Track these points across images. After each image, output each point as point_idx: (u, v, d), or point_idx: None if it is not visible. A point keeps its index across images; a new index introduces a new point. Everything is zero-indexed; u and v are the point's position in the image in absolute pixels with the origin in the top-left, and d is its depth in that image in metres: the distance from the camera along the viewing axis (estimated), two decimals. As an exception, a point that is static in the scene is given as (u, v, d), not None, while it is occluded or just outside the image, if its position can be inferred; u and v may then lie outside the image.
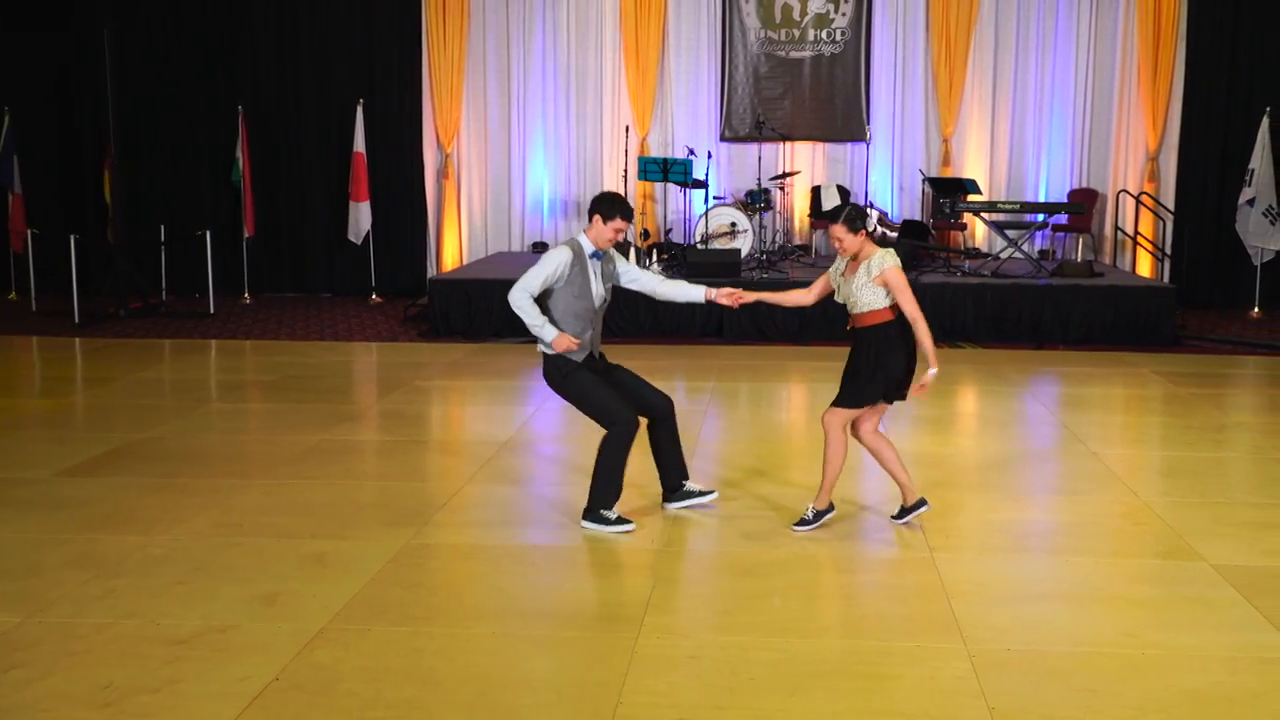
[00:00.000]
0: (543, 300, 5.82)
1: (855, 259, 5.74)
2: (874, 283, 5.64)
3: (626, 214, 5.83)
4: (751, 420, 8.72)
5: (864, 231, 5.70)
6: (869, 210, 13.69)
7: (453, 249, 14.92)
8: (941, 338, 11.55)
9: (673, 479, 6.23)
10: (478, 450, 7.45)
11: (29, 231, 13.87)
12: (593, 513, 5.89)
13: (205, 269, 13.59)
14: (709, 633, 4.68)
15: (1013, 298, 11.70)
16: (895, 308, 5.67)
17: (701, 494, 6.26)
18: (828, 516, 5.95)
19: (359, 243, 14.23)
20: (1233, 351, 11.29)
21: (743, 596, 5.06)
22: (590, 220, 5.87)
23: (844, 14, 14.39)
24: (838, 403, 5.81)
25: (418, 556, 5.55)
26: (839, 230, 5.68)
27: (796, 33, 14.46)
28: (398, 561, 5.45)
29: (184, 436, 7.82)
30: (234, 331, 12.27)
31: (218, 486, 6.62)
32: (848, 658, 4.43)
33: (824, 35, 14.43)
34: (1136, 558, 5.61)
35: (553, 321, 5.79)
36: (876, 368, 5.70)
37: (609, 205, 5.83)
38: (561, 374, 5.87)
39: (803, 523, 5.92)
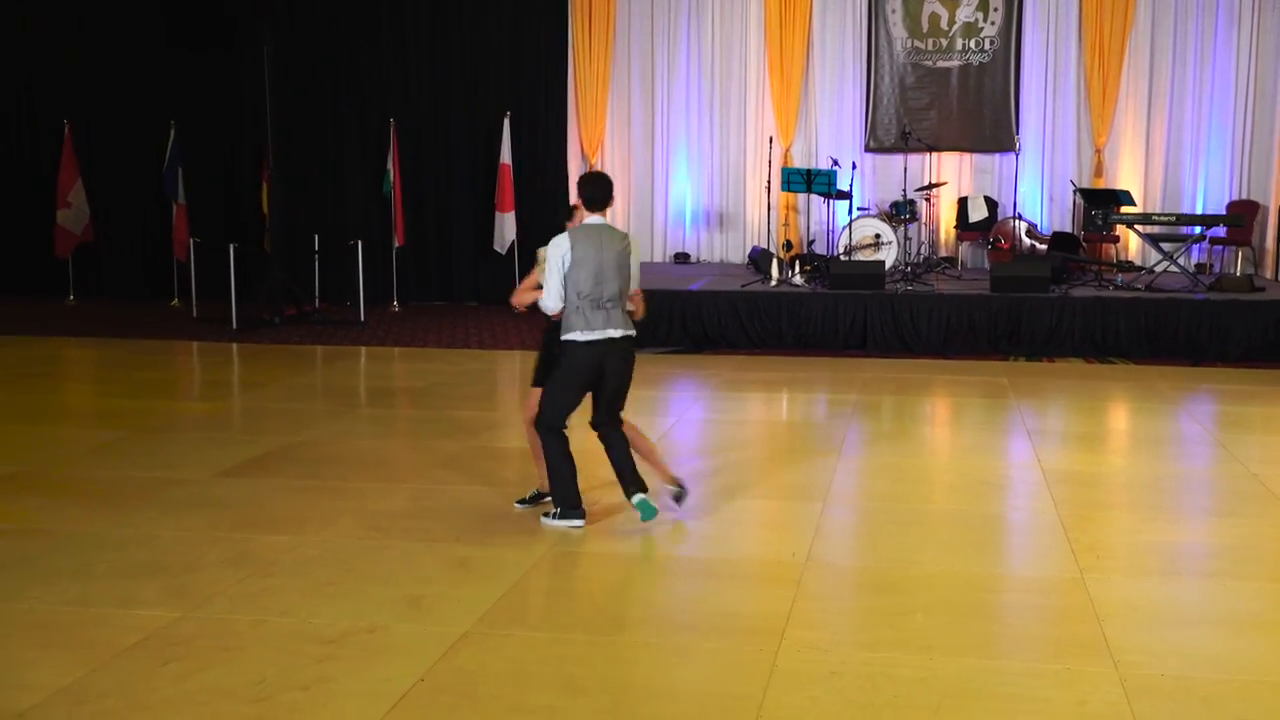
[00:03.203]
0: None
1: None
2: None
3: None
4: (895, 434, 8.59)
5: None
6: (1016, 220, 13.42)
7: (595, 259, 15.01)
8: (1093, 353, 11.27)
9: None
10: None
11: (191, 240, 14.42)
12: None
13: (356, 278, 13.94)
14: (850, 648, 4.62)
15: (1168, 312, 11.32)
16: None
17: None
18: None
19: (504, 252, 14.48)
20: (1406, 370, 10.75)
21: (885, 613, 5.00)
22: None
23: (993, 23, 14.13)
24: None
25: (559, 564, 5.61)
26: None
27: (944, 42, 14.25)
28: (539, 568, 5.52)
29: (334, 440, 8.03)
30: (383, 339, 12.57)
31: (365, 490, 6.78)
32: (993, 678, 4.33)
33: (972, 44, 14.19)
34: (1300, 584, 5.38)
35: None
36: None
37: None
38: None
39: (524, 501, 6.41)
